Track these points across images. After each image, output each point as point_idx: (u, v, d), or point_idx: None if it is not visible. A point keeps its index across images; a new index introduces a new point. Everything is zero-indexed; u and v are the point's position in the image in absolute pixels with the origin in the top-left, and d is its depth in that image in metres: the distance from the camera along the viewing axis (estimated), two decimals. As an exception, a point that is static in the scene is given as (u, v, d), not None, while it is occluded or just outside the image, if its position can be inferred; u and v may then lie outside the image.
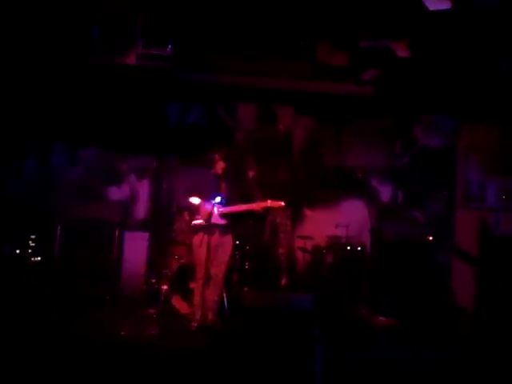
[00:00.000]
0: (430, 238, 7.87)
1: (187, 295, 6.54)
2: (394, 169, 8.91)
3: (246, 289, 7.20)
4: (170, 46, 7.63)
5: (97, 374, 4.48)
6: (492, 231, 8.36)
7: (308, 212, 8.83)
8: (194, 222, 6.00)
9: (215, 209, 5.87)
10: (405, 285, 7.66)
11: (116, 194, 8.68)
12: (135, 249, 7.81)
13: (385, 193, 8.94)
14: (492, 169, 8.61)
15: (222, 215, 5.90)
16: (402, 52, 7.40)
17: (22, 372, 4.40)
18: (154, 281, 7.37)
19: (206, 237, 5.82)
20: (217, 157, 6.13)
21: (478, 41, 7.13)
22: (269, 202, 5.78)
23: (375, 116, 8.85)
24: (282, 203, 5.82)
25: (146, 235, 8.02)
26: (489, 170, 8.66)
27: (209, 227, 5.83)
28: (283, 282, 8.24)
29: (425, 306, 7.54)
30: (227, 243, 6.01)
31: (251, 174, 8.77)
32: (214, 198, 5.90)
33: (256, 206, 5.82)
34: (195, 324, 5.86)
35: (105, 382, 4.44)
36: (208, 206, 5.88)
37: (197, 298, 5.93)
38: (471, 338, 6.64)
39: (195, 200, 5.98)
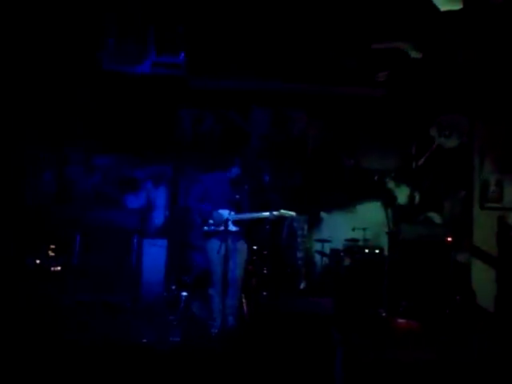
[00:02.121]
0: (449, 239, 7.83)
1: (207, 301, 6.56)
2: (410, 170, 8.88)
3: (264, 293, 7.22)
4: (182, 54, 7.67)
5: (117, 380, 4.51)
6: (511, 230, 8.31)
7: (325, 215, 8.82)
8: (206, 228, 6.01)
9: (229, 217, 5.88)
10: (424, 286, 7.63)
11: (133, 201, 8.74)
12: (154, 256, 7.85)
13: (402, 194, 8.92)
14: (509, 167, 8.56)
15: (236, 222, 5.93)
16: (414, 53, 7.38)
17: (43, 378, 4.45)
18: (173, 287, 7.40)
19: (221, 243, 5.84)
20: (232, 162, 6.15)
21: (491, 38, 7.09)
22: (281, 212, 5.80)
23: (390, 117, 8.83)
24: (294, 213, 5.84)
25: (164, 242, 8.04)
26: (506, 169, 8.61)
27: (223, 233, 5.85)
28: (302, 285, 8.24)
29: (445, 307, 7.50)
30: (242, 248, 6.03)
31: (267, 178, 8.79)
32: (225, 208, 5.92)
33: (268, 214, 5.83)
34: (216, 330, 5.87)
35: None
36: (222, 213, 5.90)
37: (216, 304, 5.95)
38: (492, 339, 6.58)
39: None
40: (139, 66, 7.73)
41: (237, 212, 5.94)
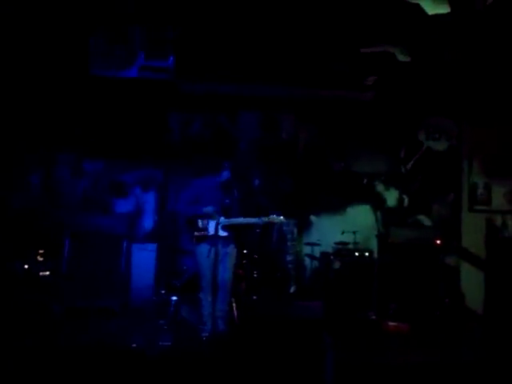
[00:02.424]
0: (438, 242, 7.87)
1: (197, 305, 6.55)
2: (399, 173, 8.92)
3: (254, 297, 7.21)
4: (171, 58, 7.66)
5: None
6: (499, 233, 8.36)
7: (314, 219, 8.83)
8: (196, 233, 6.00)
9: (218, 221, 5.88)
10: (413, 289, 7.66)
11: (122, 206, 8.71)
12: (143, 260, 7.82)
13: (391, 197, 8.95)
14: (498, 170, 8.62)
15: (225, 227, 5.93)
16: (402, 56, 7.41)
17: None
18: (163, 292, 7.37)
19: (211, 247, 5.83)
20: (221, 166, 6.15)
21: (479, 42, 7.15)
22: (270, 217, 5.80)
23: (378, 121, 8.87)
24: (283, 218, 5.85)
25: (153, 246, 8.02)
26: (494, 172, 8.66)
27: (212, 238, 5.84)
28: (292, 289, 8.24)
29: (434, 310, 7.53)
30: (231, 252, 6.04)
31: (256, 182, 8.79)
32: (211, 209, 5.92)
33: (257, 220, 5.84)
34: (206, 334, 5.86)
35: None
36: (210, 208, 5.90)
37: (206, 308, 5.94)
38: (481, 341, 6.62)
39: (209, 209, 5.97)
40: (127, 70, 7.71)
41: (226, 217, 5.94)
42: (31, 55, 7.51)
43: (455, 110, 8.77)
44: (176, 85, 8.35)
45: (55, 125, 8.49)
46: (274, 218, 5.79)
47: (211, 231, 5.86)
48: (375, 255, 8.18)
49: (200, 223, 5.96)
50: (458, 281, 8.46)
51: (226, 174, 6.11)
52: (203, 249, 5.89)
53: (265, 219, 5.78)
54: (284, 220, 5.89)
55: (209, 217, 5.88)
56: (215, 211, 5.88)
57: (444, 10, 5.91)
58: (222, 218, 5.89)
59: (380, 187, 8.96)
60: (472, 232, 8.60)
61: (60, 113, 8.49)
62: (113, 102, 8.57)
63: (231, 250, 6.04)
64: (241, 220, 5.91)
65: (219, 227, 5.85)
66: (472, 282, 8.37)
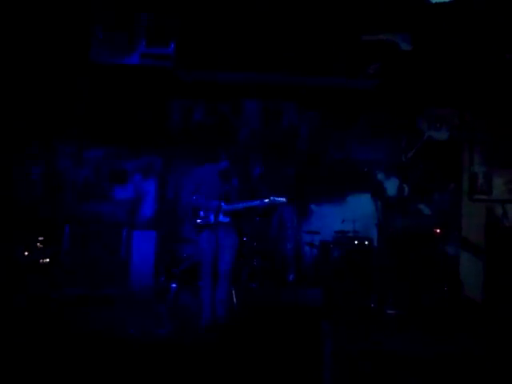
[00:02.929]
0: (438, 231, 7.87)
1: (196, 293, 6.56)
2: (400, 162, 8.91)
3: (254, 285, 7.23)
4: (172, 45, 7.63)
5: (107, 373, 4.51)
6: (499, 222, 8.36)
7: (314, 207, 8.83)
8: (198, 220, 6.00)
9: (220, 207, 5.87)
10: (413, 277, 7.67)
11: (122, 193, 8.71)
12: (143, 248, 7.84)
13: (391, 186, 8.94)
14: (498, 160, 8.61)
15: (226, 213, 5.92)
16: (404, 45, 7.38)
17: (32, 372, 4.44)
18: (162, 279, 7.39)
19: (211, 235, 5.83)
20: (222, 154, 6.14)
21: (481, 32, 7.11)
22: (271, 199, 5.80)
23: (380, 110, 8.85)
24: (284, 199, 5.84)
25: (153, 234, 8.03)
26: (495, 161, 8.65)
27: (214, 226, 5.84)
28: (291, 277, 8.26)
29: (433, 298, 7.55)
30: (233, 241, 6.03)
31: (257, 170, 8.78)
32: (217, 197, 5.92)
33: (259, 202, 5.84)
34: (205, 321, 5.88)
35: (115, 380, 4.46)
36: (213, 205, 5.89)
37: (206, 296, 5.95)
38: (480, 330, 6.63)
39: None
40: (129, 57, 7.68)
41: (227, 203, 5.93)
42: (32, 43, 7.48)
43: (456, 100, 8.73)
44: (176, 72, 8.31)
45: (55, 112, 8.47)
46: (275, 200, 5.79)
47: (212, 219, 5.86)
48: (375, 244, 8.19)
49: (201, 211, 5.96)
50: (457, 269, 8.48)
51: (226, 163, 6.10)
52: (204, 237, 5.89)
53: (266, 201, 5.78)
54: (285, 201, 5.86)
55: (210, 208, 5.87)
56: (217, 205, 5.86)
57: (446, -2, 5.89)
58: (223, 204, 5.89)
59: (380, 176, 8.96)
60: (472, 221, 8.60)
61: (61, 100, 8.47)
62: (114, 89, 8.55)
63: (233, 238, 6.03)
64: (242, 205, 5.90)
65: (220, 213, 5.85)
66: (471, 270, 8.39)
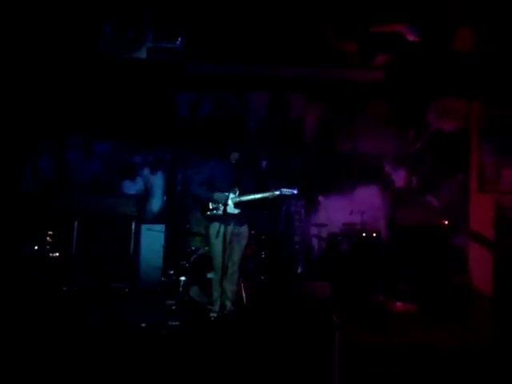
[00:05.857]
0: (446, 222, 7.86)
1: (205, 286, 6.59)
2: (408, 154, 8.88)
3: (262, 278, 7.25)
4: (179, 39, 7.64)
5: (117, 366, 4.55)
6: (508, 213, 8.33)
7: (322, 199, 8.83)
8: (209, 213, 6.02)
9: (230, 199, 5.89)
10: (421, 269, 7.67)
11: (131, 187, 8.74)
12: (152, 241, 7.87)
13: (399, 178, 8.92)
14: (507, 151, 8.57)
15: (237, 205, 5.93)
16: (411, 36, 7.35)
17: (43, 365, 4.49)
18: (171, 272, 7.41)
19: (222, 227, 5.85)
20: (230, 147, 6.14)
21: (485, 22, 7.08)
22: (282, 190, 5.81)
23: (387, 101, 8.81)
24: (295, 191, 5.85)
25: (162, 227, 8.05)
26: (503, 152, 8.62)
27: (224, 217, 5.86)
28: (299, 270, 8.28)
29: (442, 290, 7.54)
30: (243, 233, 6.04)
31: (264, 162, 8.79)
32: (227, 189, 5.93)
33: (269, 194, 5.85)
34: (214, 314, 5.91)
35: (125, 373, 4.50)
36: (222, 196, 5.90)
37: (215, 289, 5.98)
38: (489, 322, 6.63)
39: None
40: (137, 52, 7.69)
41: (237, 195, 5.94)
42: (42, 37, 7.50)
43: (464, 90, 8.68)
44: (184, 65, 8.32)
45: (65, 107, 8.50)
46: (285, 190, 5.81)
47: (223, 211, 5.86)
48: (383, 236, 8.19)
49: (211, 204, 5.98)
50: (465, 261, 8.46)
51: (234, 155, 6.10)
52: (215, 229, 5.91)
53: (277, 192, 5.79)
54: (296, 192, 5.87)
55: (220, 200, 5.89)
56: (227, 196, 5.88)
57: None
58: (232, 195, 5.90)
59: (388, 167, 8.93)
60: (481, 213, 8.57)
61: (69, 94, 8.49)
62: (122, 83, 8.55)
63: (244, 230, 6.03)
64: (252, 196, 5.91)
65: (231, 204, 5.86)
66: (480, 262, 8.37)
